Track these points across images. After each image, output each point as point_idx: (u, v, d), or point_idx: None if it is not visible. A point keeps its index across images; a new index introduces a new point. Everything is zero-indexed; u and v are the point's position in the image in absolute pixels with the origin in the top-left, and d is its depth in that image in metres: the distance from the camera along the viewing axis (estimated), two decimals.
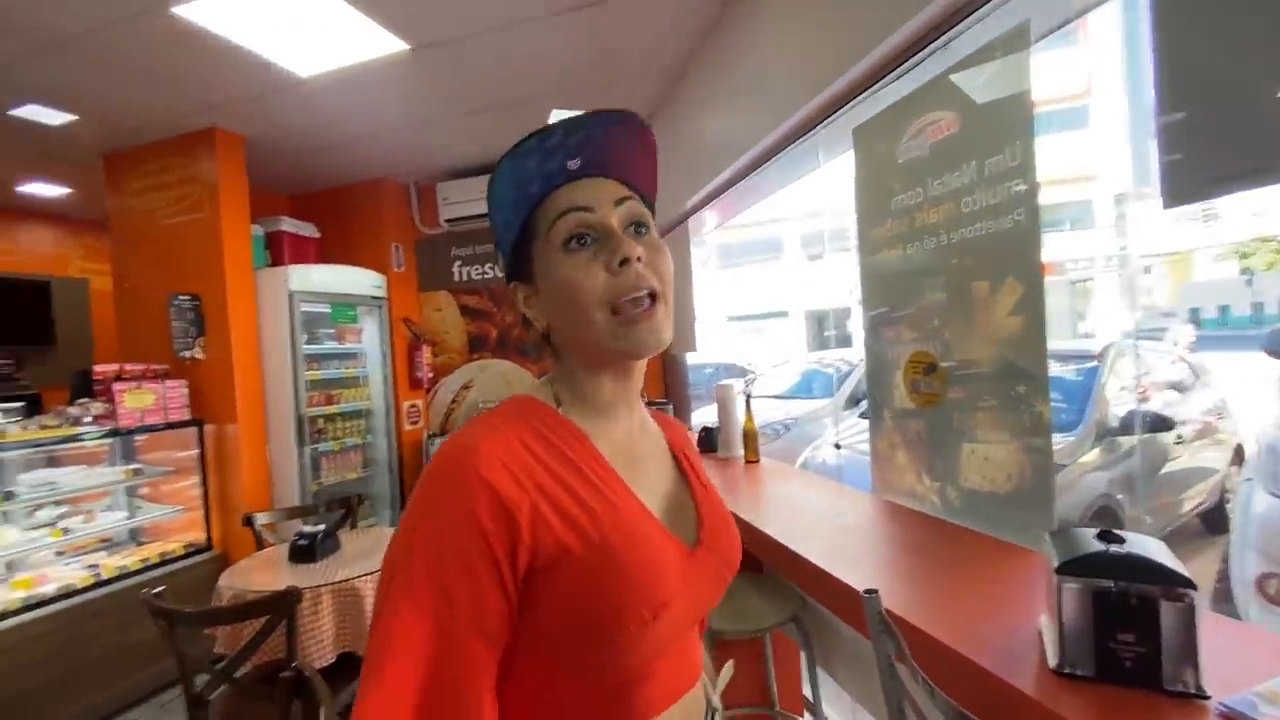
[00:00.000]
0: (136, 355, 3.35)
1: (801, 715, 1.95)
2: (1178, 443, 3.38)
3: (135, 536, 3.30)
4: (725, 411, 2.39)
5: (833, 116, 1.96)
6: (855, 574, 1.12)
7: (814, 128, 2.09)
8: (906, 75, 1.62)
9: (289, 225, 3.91)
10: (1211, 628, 0.69)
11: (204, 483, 3.26)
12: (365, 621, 2.06)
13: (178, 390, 3.24)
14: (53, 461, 3.04)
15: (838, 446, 2.46)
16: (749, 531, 1.43)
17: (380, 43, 2.49)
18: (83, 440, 2.86)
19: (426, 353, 4.43)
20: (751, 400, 2.31)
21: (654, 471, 0.67)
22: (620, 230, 0.60)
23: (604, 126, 0.61)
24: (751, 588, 1.66)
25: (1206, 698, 0.66)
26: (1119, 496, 3.00)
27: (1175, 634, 0.68)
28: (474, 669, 0.52)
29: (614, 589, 0.54)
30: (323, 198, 4.43)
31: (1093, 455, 3.05)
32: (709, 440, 2.48)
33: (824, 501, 1.70)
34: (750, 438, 2.26)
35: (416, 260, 4.54)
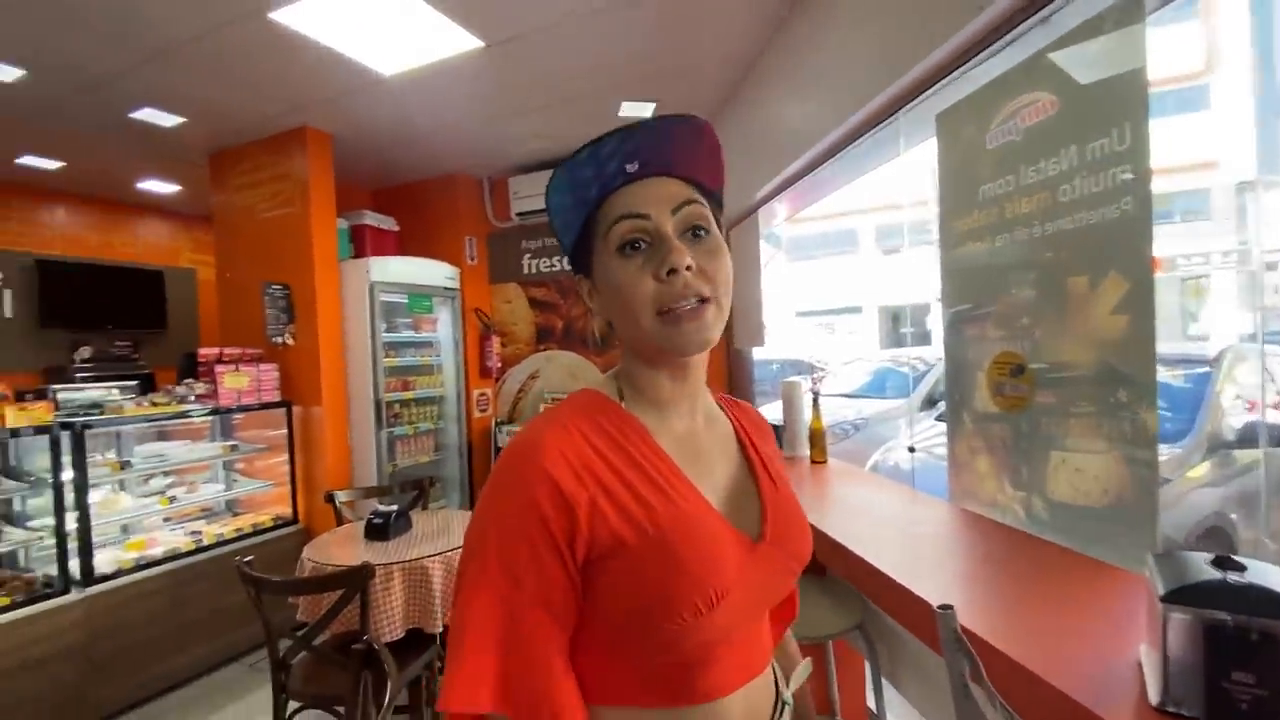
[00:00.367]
0: (235, 340, 3.62)
1: None
2: None
3: (231, 507, 3.57)
4: (791, 409, 2.32)
5: (915, 101, 1.86)
6: (928, 586, 1.06)
7: (893, 114, 1.99)
8: (999, 54, 1.51)
9: (371, 219, 4.11)
10: None
11: (291, 460, 3.48)
12: (433, 600, 2.14)
13: (270, 373, 3.47)
14: (162, 436, 3.34)
15: (912, 450, 2.34)
16: (813, 534, 1.38)
17: (456, 40, 2.56)
18: (191, 417, 3.12)
19: (496, 343, 4.56)
20: (819, 399, 2.24)
21: (718, 464, 0.67)
22: (675, 237, 0.60)
23: (664, 126, 0.62)
24: (814, 592, 1.61)
25: None
26: (1232, 516, 2.71)
27: None
28: (548, 647, 0.55)
29: (669, 579, 0.55)
30: (402, 192, 4.63)
31: (1202, 470, 2.77)
32: (775, 437, 2.41)
33: (896, 507, 1.62)
34: (818, 437, 2.18)
35: (488, 253, 4.68)
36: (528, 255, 4.55)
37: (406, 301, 4.00)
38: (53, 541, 2.46)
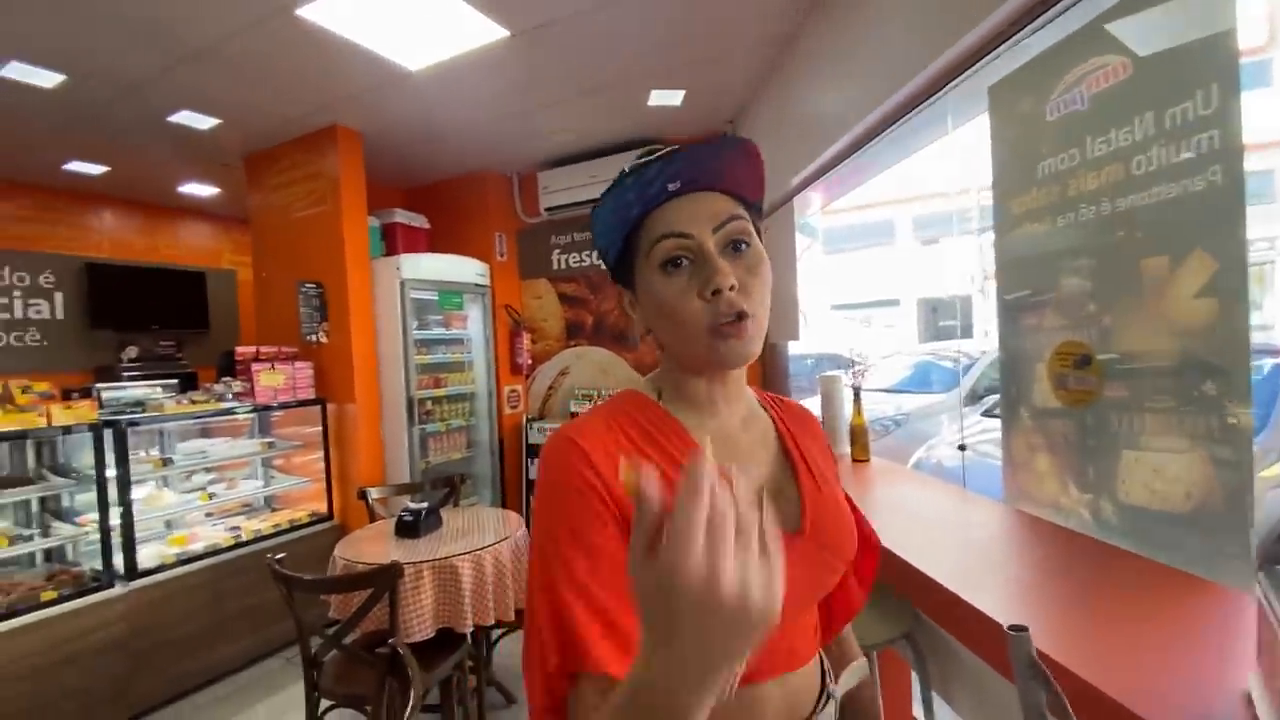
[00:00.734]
0: (271, 338, 3.67)
1: None
2: None
3: (269, 503, 3.63)
4: (830, 405, 2.22)
5: (964, 75, 1.73)
6: (986, 598, 0.96)
7: (940, 90, 1.86)
8: (1062, 17, 1.38)
9: (402, 217, 4.12)
10: None
11: (326, 457, 3.51)
12: (463, 599, 2.11)
13: (305, 371, 3.51)
14: (204, 433, 3.40)
15: (962, 449, 2.21)
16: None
17: (481, 30, 2.52)
18: (228, 415, 3.17)
19: (526, 339, 4.54)
20: (860, 394, 2.13)
21: (756, 460, 0.68)
22: (717, 254, 0.61)
23: (704, 147, 0.61)
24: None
25: None
26: None
27: None
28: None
29: None
30: (433, 190, 4.64)
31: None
32: None
33: (946, 509, 1.52)
34: (859, 434, 2.08)
35: (518, 249, 4.65)
36: (557, 250, 4.51)
37: (437, 298, 4.00)
38: (98, 536, 2.52)
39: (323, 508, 3.50)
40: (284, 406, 3.39)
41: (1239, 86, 0.99)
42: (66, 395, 2.79)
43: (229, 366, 3.47)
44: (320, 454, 3.52)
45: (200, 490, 3.25)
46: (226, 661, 2.89)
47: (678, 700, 0.37)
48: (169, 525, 3.08)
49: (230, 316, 5.25)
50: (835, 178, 2.90)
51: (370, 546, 2.32)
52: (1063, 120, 1.33)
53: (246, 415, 3.29)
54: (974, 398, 4.64)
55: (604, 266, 0.71)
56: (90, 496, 2.56)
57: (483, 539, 2.28)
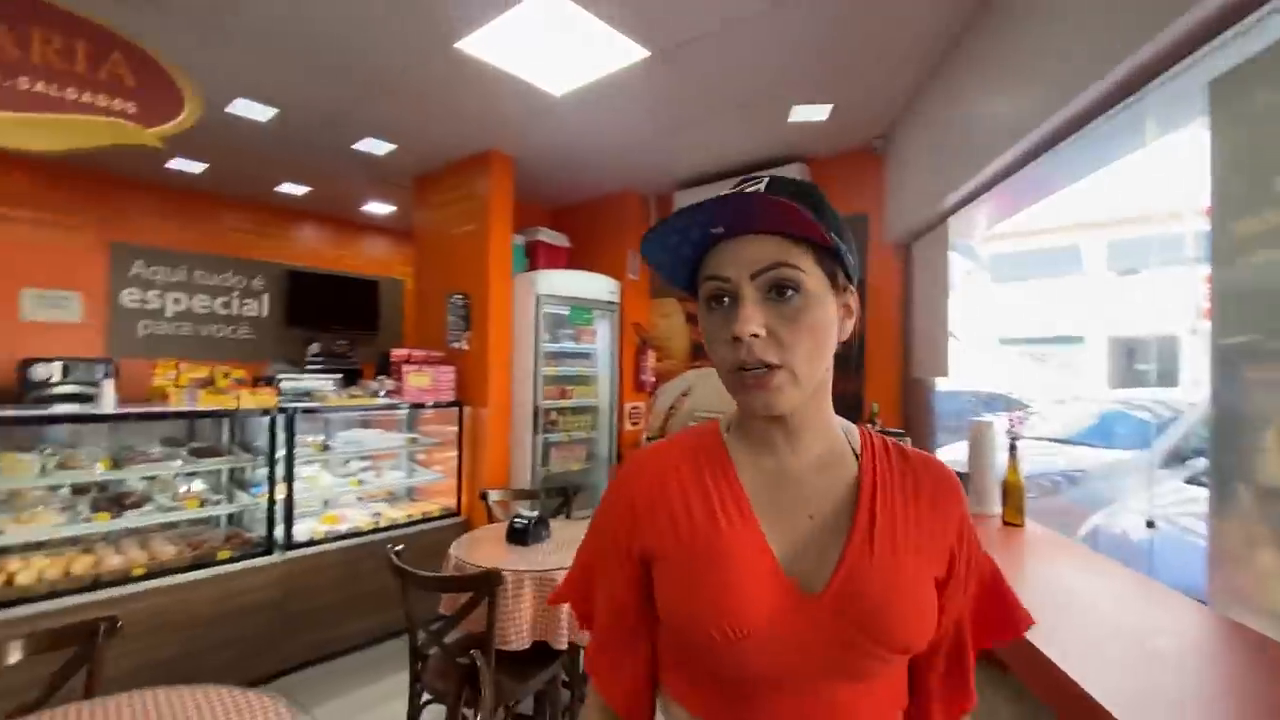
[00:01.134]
0: (423, 343, 4.01)
1: None
2: None
3: (410, 494, 3.94)
4: (979, 455, 1.92)
5: (1173, 70, 1.42)
6: None
7: (1139, 89, 1.55)
8: None
9: (545, 235, 4.34)
10: None
11: (459, 456, 3.75)
12: (560, 613, 2.09)
13: (447, 375, 3.78)
14: (359, 425, 3.78)
15: (1150, 525, 1.78)
16: None
17: (622, 52, 2.56)
18: (398, 409, 3.50)
19: (651, 357, 4.55)
20: (1018, 445, 1.81)
21: (803, 508, 0.64)
22: (752, 299, 0.60)
23: (738, 196, 0.59)
24: (987, 691, 1.26)
25: None
26: None
27: None
28: (623, 628, 0.69)
29: (689, 598, 0.61)
30: (575, 210, 4.84)
31: None
32: None
33: (1121, 602, 1.21)
34: (1013, 493, 1.77)
35: (650, 268, 4.69)
36: None
37: (569, 313, 4.14)
38: (265, 507, 2.87)
39: (453, 503, 3.73)
40: (429, 406, 3.68)
41: None
42: (259, 382, 3.24)
43: (386, 366, 3.84)
44: (455, 453, 3.76)
45: (353, 476, 3.61)
46: (359, 635, 3.15)
47: None
48: (325, 504, 3.45)
49: (396, 321, 5.86)
50: (1004, 196, 2.56)
51: (482, 549, 2.39)
52: None
53: (397, 411, 3.61)
54: (1175, 459, 3.84)
55: None
56: (263, 472, 2.94)
57: None
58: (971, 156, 2.38)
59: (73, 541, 2.57)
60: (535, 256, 4.27)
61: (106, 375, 3.25)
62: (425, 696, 2.09)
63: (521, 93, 2.93)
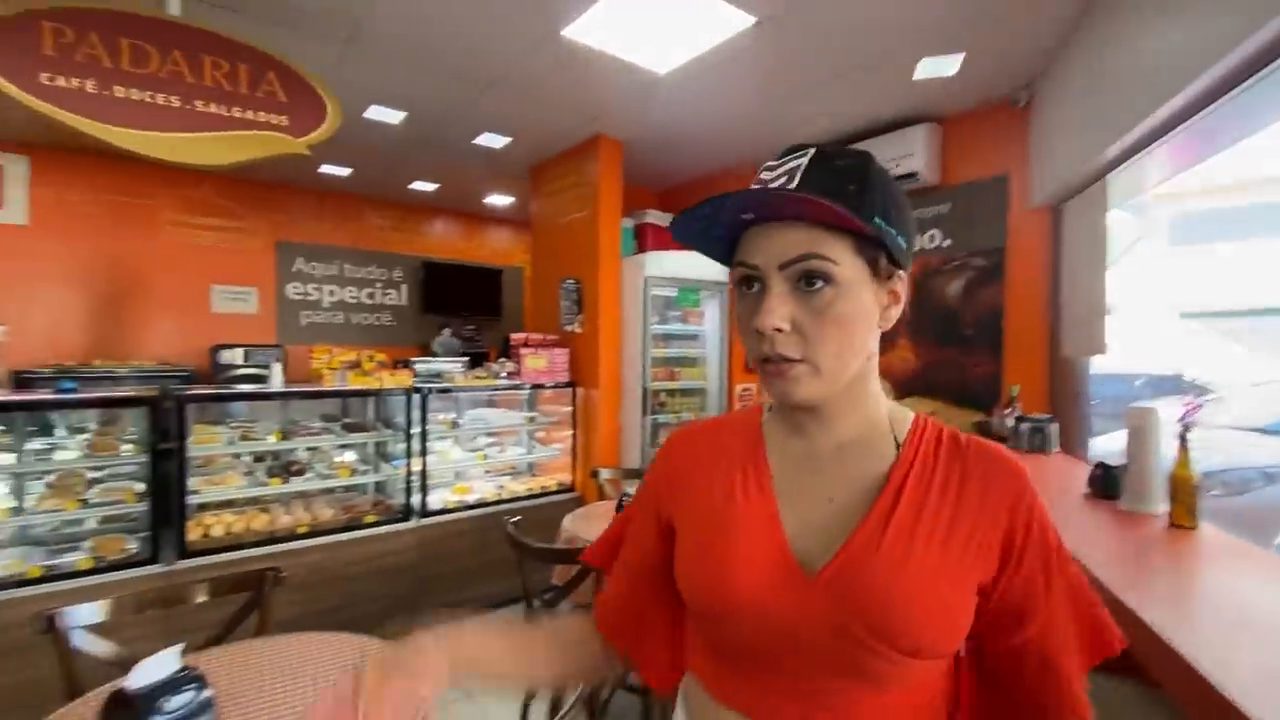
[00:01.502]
0: (539, 327, 4.20)
1: None
2: None
3: (530, 469, 4.17)
4: (1140, 446, 1.67)
5: None
6: None
7: None
8: None
9: (653, 218, 4.34)
10: None
11: (574, 435, 3.89)
12: None
13: (562, 357, 3.94)
14: (485, 404, 4.05)
15: None
16: (1148, 637, 0.92)
17: (727, 20, 2.47)
18: (520, 389, 3.72)
19: None
20: (1189, 434, 1.55)
21: (824, 491, 0.63)
22: (777, 293, 0.58)
23: (759, 192, 0.57)
24: (1134, 708, 1.10)
25: None
26: None
27: None
28: (631, 573, 0.75)
29: (695, 566, 0.64)
30: (684, 190, 4.80)
31: None
32: (1107, 482, 1.78)
33: None
34: (1183, 489, 1.52)
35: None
36: None
37: (676, 295, 4.13)
38: (404, 478, 3.17)
39: (568, 479, 3.89)
40: (547, 387, 3.86)
41: None
42: (398, 364, 3.57)
43: (507, 349, 4.07)
44: (570, 431, 3.91)
45: (479, 451, 3.88)
46: (482, 599, 3.40)
47: None
48: (456, 476, 3.75)
49: (517, 306, 6.19)
50: (1183, 143, 2.17)
51: (594, 524, 2.48)
52: None
53: (519, 391, 3.82)
54: None
55: None
56: (401, 447, 3.24)
57: None
58: (1138, 97, 2.04)
59: (253, 501, 3.00)
60: (644, 239, 4.29)
61: (276, 359, 3.72)
62: None
63: (626, 74, 2.93)
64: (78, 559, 2.37)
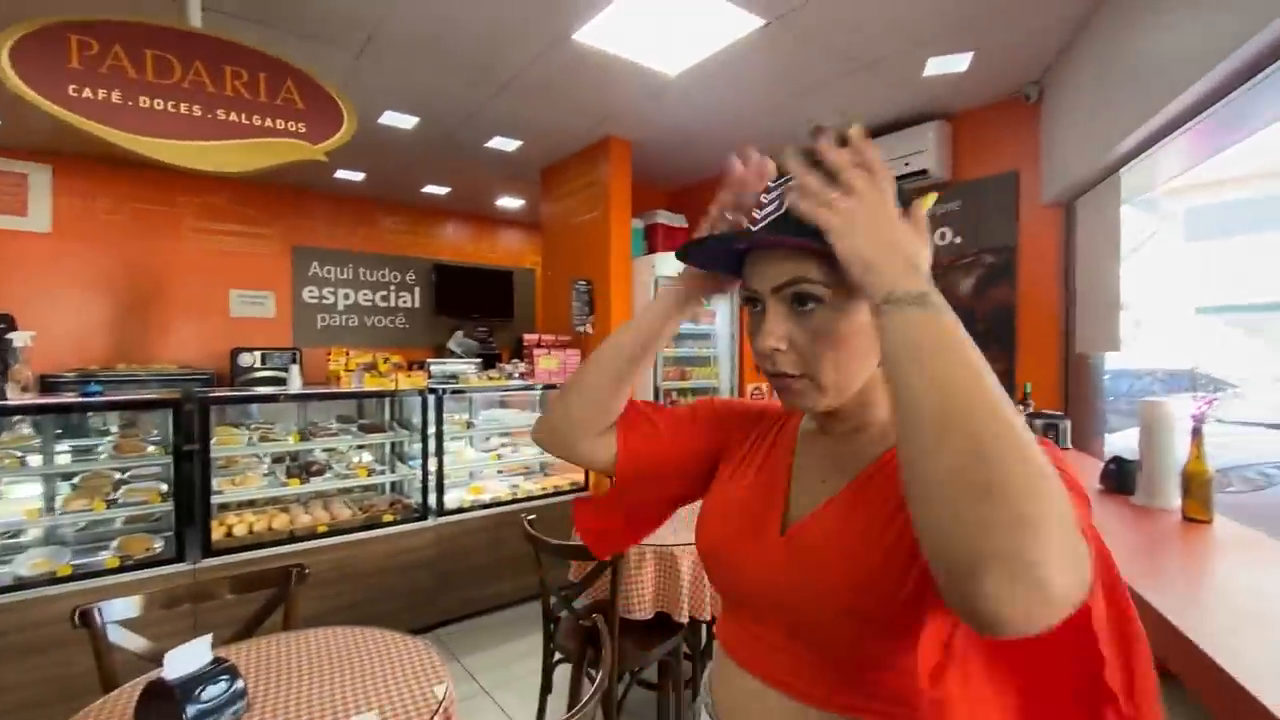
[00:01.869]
0: (551, 328, 4.24)
1: None
2: None
3: (543, 468, 4.19)
4: (1152, 440, 1.67)
5: None
6: None
7: None
8: None
9: (663, 218, 4.37)
10: None
11: None
12: (680, 589, 2.14)
13: (574, 357, 3.96)
14: (498, 404, 4.09)
15: None
16: (1170, 632, 0.93)
17: (735, 23, 2.49)
18: (532, 389, 3.75)
19: None
20: (1203, 428, 1.55)
21: (821, 474, 0.70)
22: (775, 314, 0.63)
23: (748, 239, 0.65)
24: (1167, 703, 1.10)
25: None
26: None
27: None
28: (656, 455, 0.82)
29: (703, 515, 0.77)
30: (693, 190, 4.82)
31: None
32: (1121, 477, 1.78)
33: None
34: (1197, 483, 1.52)
35: None
36: None
37: None
38: (421, 477, 3.21)
39: (581, 479, 3.92)
40: (559, 387, 3.88)
41: None
42: (412, 366, 3.62)
43: (519, 350, 4.11)
44: None
45: (493, 451, 3.92)
46: (503, 595, 3.44)
47: None
48: (470, 476, 3.78)
49: (529, 308, 6.22)
50: (1198, 135, 2.17)
51: None
52: None
53: (531, 391, 3.86)
54: None
55: None
56: (419, 446, 3.28)
57: None
58: (1152, 91, 2.04)
59: (273, 501, 3.05)
60: (654, 239, 4.32)
61: (293, 361, 3.79)
62: (557, 655, 2.25)
63: (636, 76, 2.96)
64: (105, 558, 2.43)
